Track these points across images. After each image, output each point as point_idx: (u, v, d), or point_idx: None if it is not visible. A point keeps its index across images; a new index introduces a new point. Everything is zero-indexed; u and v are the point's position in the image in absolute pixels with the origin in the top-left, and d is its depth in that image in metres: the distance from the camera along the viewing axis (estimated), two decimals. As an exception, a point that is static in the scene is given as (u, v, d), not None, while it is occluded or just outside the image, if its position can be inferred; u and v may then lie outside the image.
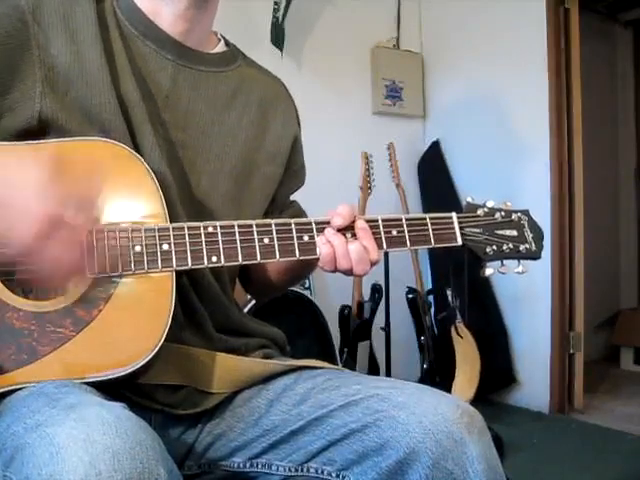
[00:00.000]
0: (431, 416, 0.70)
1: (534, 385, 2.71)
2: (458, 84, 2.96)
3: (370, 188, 2.51)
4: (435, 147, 3.04)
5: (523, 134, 2.71)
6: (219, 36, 0.98)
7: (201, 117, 0.89)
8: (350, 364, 2.32)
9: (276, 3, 2.47)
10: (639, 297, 3.91)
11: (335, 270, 0.83)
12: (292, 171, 1.01)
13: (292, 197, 1.06)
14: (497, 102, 2.80)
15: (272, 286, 1.01)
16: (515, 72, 2.71)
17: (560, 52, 2.62)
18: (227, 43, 0.98)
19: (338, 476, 0.75)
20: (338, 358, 2.34)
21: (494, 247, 0.91)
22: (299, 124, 1.03)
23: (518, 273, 0.93)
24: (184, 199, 0.83)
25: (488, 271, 0.92)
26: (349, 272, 0.83)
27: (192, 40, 0.90)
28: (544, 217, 2.43)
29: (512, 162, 2.73)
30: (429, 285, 2.92)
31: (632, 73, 3.91)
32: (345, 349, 2.37)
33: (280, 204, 1.01)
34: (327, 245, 0.81)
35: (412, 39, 3.07)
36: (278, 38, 2.49)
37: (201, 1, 0.88)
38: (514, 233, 0.93)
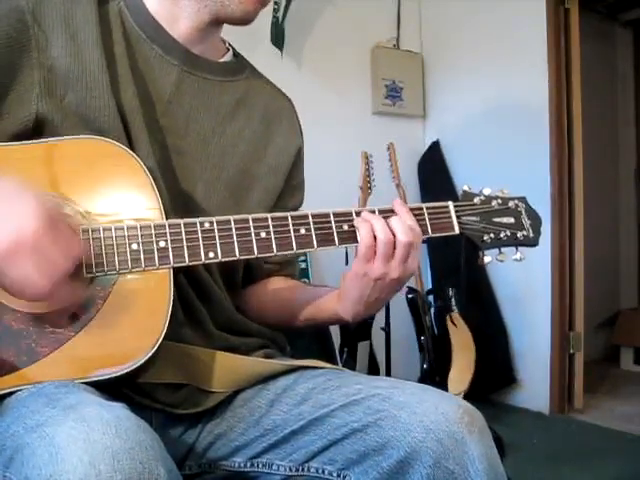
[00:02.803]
0: (432, 416, 0.70)
1: (534, 385, 2.71)
2: (458, 84, 2.96)
3: (370, 188, 2.51)
4: (435, 147, 3.03)
5: (523, 134, 2.71)
6: (227, 45, 0.98)
7: (202, 125, 0.89)
8: (350, 364, 2.32)
9: (276, 3, 2.47)
10: (639, 297, 3.91)
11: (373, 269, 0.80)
12: (291, 186, 1.00)
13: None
14: (497, 102, 2.80)
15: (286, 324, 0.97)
16: (515, 72, 2.71)
17: (560, 52, 2.62)
18: (235, 53, 0.98)
19: (339, 476, 0.75)
20: (338, 358, 2.34)
21: (491, 235, 0.90)
22: (302, 140, 1.03)
23: (516, 260, 0.93)
24: (179, 204, 0.83)
25: (486, 259, 0.91)
26: (396, 269, 0.80)
27: (200, 48, 0.90)
28: (544, 217, 2.40)
29: (512, 162, 2.73)
30: (429, 285, 2.92)
31: (632, 73, 3.91)
32: (345, 349, 2.37)
33: None
34: (366, 224, 0.80)
35: (412, 39, 3.07)
36: (278, 38, 2.49)
37: (222, 19, 0.87)
38: (511, 220, 0.92)
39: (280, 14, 2.48)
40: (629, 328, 3.47)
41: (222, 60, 0.95)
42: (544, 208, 2.47)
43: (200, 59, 0.90)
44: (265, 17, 2.49)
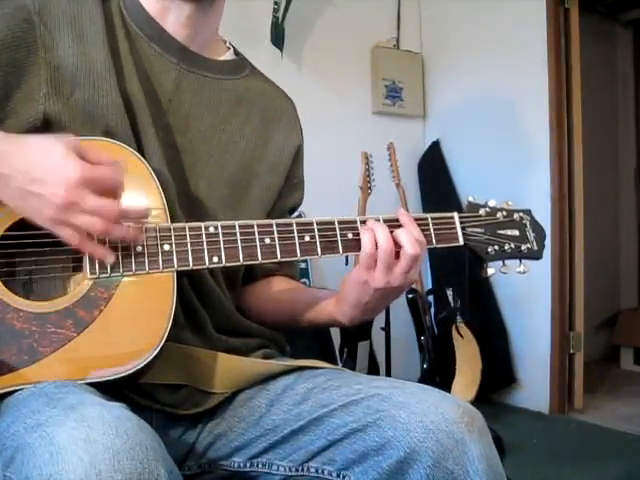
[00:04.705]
0: (432, 416, 0.70)
1: (534, 385, 2.71)
2: (458, 84, 2.96)
3: (370, 188, 2.51)
4: (435, 147, 3.03)
5: (523, 134, 2.71)
6: (228, 45, 0.98)
7: (202, 122, 0.89)
8: (350, 364, 2.32)
9: (276, 3, 2.47)
10: (639, 297, 3.91)
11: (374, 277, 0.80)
12: (291, 184, 1.00)
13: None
14: (497, 102, 2.80)
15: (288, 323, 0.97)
16: (515, 72, 2.71)
17: (560, 52, 2.62)
18: (236, 52, 0.98)
19: (339, 476, 0.75)
20: (338, 358, 2.34)
21: (496, 247, 0.91)
22: (302, 138, 1.03)
23: (519, 273, 0.93)
24: (182, 201, 0.83)
25: (490, 271, 0.91)
26: (396, 277, 0.80)
27: (197, 44, 0.90)
28: (544, 217, 2.40)
29: (512, 162, 2.73)
30: (429, 285, 2.92)
31: (632, 73, 3.91)
32: (345, 349, 2.37)
33: (277, 217, 0.99)
34: (369, 232, 0.80)
35: (412, 39, 3.07)
36: (278, 38, 2.49)
37: (204, 8, 0.88)
38: (516, 233, 0.93)
39: (280, 14, 2.48)
40: (629, 328, 3.47)
41: (222, 58, 0.95)
42: (544, 208, 2.51)
43: (198, 57, 0.90)
44: (265, 17, 2.49)
